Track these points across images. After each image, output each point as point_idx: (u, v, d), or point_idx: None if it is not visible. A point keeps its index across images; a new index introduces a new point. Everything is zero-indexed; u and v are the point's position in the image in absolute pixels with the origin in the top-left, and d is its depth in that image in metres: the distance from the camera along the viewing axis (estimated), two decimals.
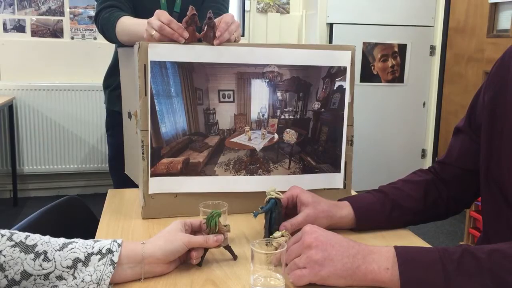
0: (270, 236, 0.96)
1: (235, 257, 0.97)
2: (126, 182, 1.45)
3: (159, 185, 1.17)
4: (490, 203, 0.99)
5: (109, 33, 1.58)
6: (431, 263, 0.79)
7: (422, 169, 1.20)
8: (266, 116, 1.22)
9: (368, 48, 3.86)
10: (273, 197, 1.03)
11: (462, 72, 3.77)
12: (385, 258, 0.82)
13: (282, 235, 0.95)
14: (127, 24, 1.50)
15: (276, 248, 0.85)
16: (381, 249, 0.84)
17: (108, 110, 1.89)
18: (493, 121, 0.96)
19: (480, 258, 0.78)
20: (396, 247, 0.83)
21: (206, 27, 1.16)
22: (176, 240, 0.88)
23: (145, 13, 1.42)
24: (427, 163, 4.11)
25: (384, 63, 3.93)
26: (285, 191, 1.09)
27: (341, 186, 1.28)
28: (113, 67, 1.82)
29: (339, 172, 1.27)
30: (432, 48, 4.02)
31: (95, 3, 1.68)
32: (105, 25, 1.58)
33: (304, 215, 1.04)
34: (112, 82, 1.82)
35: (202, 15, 1.21)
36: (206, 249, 0.93)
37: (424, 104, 4.10)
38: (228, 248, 0.96)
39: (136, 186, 1.32)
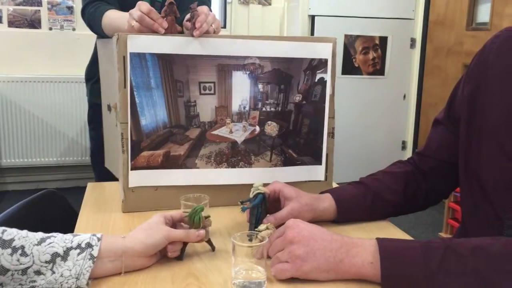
0: (255, 229, 0.96)
1: (213, 248, 0.97)
2: (108, 176, 1.44)
3: (140, 178, 1.16)
4: (469, 195, 1.00)
5: (96, 28, 1.57)
6: (413, 260, 0.79)
7: (401, 160, 1.21)
8: (247, 108, 1.21)
9: (350, 41, 3.87)
10: (262, 192, 1.03)
11: (442, 64, 3.81)
12: (368, 251, 0.82)
13: (267, 228, 0.96)
14: (112, 17, 1.49)
15: (260, 241, 0.85)
16: (364, 242, 0.84)
17: (90, 103, 1.87)
18: (472, 114, 0.97)
19: (464, 256, 0.78)
20: (379, 241, 0.83)
21: (189, 18, 1.16)
22: (157, 234, 0.88)
23: (129, 4, 1.41)
24: (407, 154, 4.15)
25: (365, 55, 3.95)
26: (268, 184, 1.09)
27: (323, 178, 1.28)
28: (95, 58, 1.80)
29: (320, 164, 1.27)
30: (413, 40, 4.05)
31: None
32: (91, 20, 1.59)
33: (289, 209, 1.04)
34: (94, 75, 1.80)
35: (185, 8, 1.20)
36: (186, 243, 0.93)
37: (404, 96, 4.14)
38: (208, 241, 0.96)
39: (118, 179, 1.30)
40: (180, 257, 0.92)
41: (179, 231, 0.91)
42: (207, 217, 0.94)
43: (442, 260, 0.78)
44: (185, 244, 0.93)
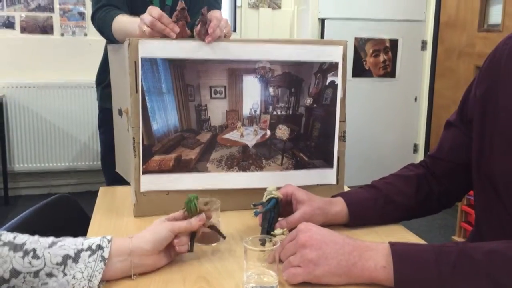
0: (271, 234, 0.96)
1: (223, 236, 0.98)
2: (119, 180, 1.44)
3: (151, 182, 1.16)
4: (482, 197, 0.99)
5: (106, 33, 1.58)
6: (426, 264, 0.78)
7: (413, 163, 1.20)
8: (258, 112, 1.21)
9: (360, 43, 3.86)
10: (275, 196, 1.03)
11: (454, 66, 3.78)
12: (381, 255, 0.82)
13: (283, 233, 0.95)
14: (123, 22, 1.50)
15: (272, 246, 0.85)
16: (377, 245, 0.84)
17: (101, 107, 1.88)
18: (485, 115, 0.96)
19: (477, 260, 0.77)
20: (391, 244, 0.82)
21: (200, 23, 1.15)
22: (162, 229, 0.89)
23: (139, 7, 1.42)
24: (419, 157, 4.12)
25: (375, 58, 3.93)
26: (280, 188, 1.09)
27: (334, 182, 1.27)
28: (105, 63, 1.81)
29: (332, 168, 1.27)
30: (424, 43, 4.03)
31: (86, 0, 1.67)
32: (102, 25, 1.59)
33: (301, 212, 1.04)
34: (104, 79, 1.81)
35: (195, 11, 1.20)
36: (193, 234, 0.93)
37: (415, 99, 4.12)
38: (213, 228, 0.97)
39: (128, 183, 1.31)
40: (191, 250, 0.93)
41: (181, 222, 0.92)
42: (206, 203, 0.94)
43: (456, 264, 0.77)
44: (192, 235, 0.93)
